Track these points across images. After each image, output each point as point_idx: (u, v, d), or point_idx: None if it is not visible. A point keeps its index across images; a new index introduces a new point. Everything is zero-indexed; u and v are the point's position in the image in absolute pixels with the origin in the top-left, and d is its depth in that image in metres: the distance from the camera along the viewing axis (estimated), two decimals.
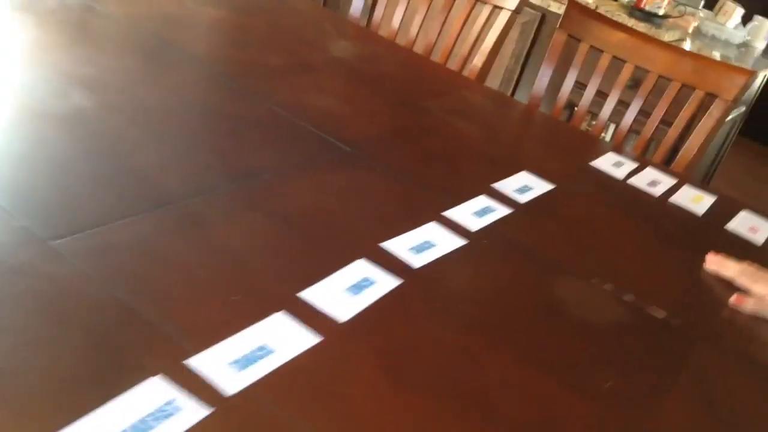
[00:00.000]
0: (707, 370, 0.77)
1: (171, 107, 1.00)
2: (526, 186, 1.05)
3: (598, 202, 1.12)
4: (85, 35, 1.17)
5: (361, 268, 0.75)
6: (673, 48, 1.54)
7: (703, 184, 1.27)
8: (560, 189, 1.08)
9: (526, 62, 2.53)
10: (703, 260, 0.97)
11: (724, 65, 1.50)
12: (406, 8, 1.77)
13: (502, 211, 0.95)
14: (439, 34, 1.73)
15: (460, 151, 1.15)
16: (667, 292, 0.90)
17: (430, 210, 0.90)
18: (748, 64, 2.38)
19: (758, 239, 1.10)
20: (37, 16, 1.16)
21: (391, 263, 0.77)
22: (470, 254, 0.84)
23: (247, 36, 1.41)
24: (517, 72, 2.54)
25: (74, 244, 0.66)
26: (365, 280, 0.73)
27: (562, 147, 1.32)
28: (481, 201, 0.97)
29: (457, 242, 0.85)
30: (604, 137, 1.65)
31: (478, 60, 1.68)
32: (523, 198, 1.01)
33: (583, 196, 1.11)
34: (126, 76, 1.05)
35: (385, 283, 0.73)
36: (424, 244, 0.83)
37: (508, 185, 1.04)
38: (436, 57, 1.70)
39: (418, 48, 1.71)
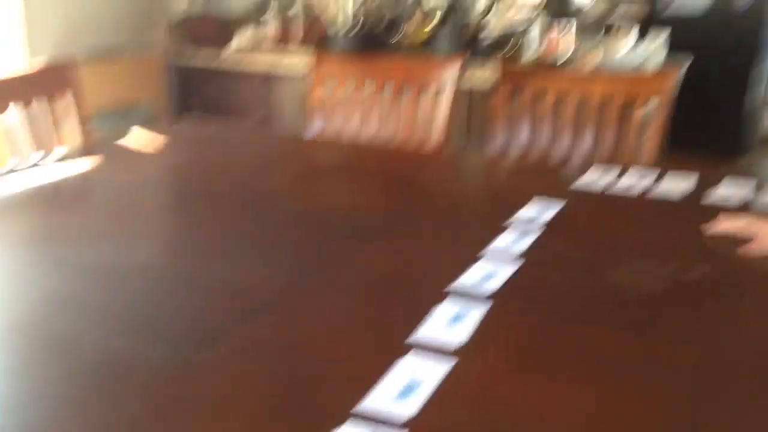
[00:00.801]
0: None
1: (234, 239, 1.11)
2: (541, 209, 1.19)
3: (603, 211, 1.26)
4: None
5: None
6: (607, 75, 1.76)
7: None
8: (569, 206, 1.21)
9: (467, 135, 2.74)
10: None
11: (654, 73, 1.72)
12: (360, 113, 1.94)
13: (533, 236, 1.08)
14: (394, 125, 1.91)
15: (465, 209, 1.29)
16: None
17: (472, 252, 1.02)
18: None
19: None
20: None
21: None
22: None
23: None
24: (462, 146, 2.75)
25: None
26: None
27: (542, 181, 1.48)
28: (511, 232, 1.09)
29: (512, 267, 0.97)
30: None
31: (435, 137, 1.85)
32: (546, 217, 1.15)
33: (587, 213, 1.26)
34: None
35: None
36: (487, 274, 0.94)
37: (523, 214, 1.17)
38: (397, 143, 1.87)
39: (380, 141, 1.88)
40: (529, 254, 1.00)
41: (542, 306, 0.88)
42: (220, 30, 3.30)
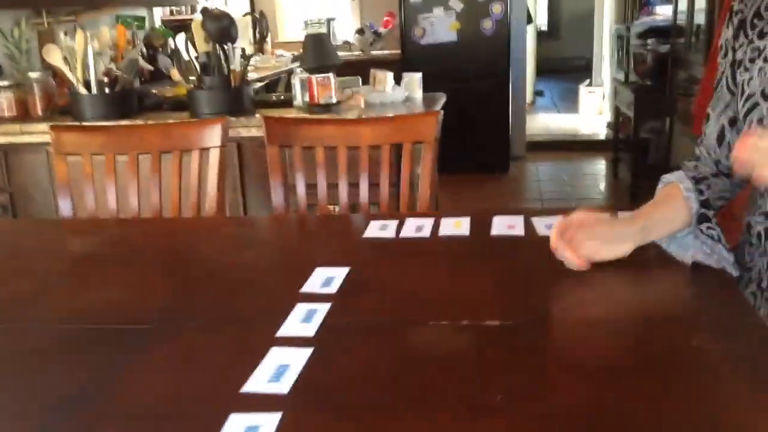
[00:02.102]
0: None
1: None
2: (328, 278, 1.10)
3: (389, 261, 1.20)
4: None
5: None
6: (374, 120, 1.74)
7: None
8: (354, 268, 1.14)
9: (244, 189, 2.62)
10: (498, 270, 1.10)
11: (415, 116, 1.74)
12: (116, 184, 1.74)
13: (322, 310, 0.99)
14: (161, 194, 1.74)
15: (257, 276, 1.17)
16: (493, 305, 1.00)
17: (263, 338, 0.91)
18: (418, 111, 2.74)
19: (519, 232, 1.27)
20: None
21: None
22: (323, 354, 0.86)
23: None
24: (242, 200, 2.62)
25: None
26: None
27: (333, 234, 1.41)
28: (301, 308, 0.99)
29: (304, 352, 0.86)
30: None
31: (211, 198, 1.72)
32: (332, 288, 1.06)
33: (375, 265, 1.20)
34: None
35: None
36: (279, 369, 0.83)
37: (313, 285, 1.08)
38: (167, 213, 1.70)
39: (146, 213, 1.70)
40: (320, 337, 0.91)
41: (337, 403, 0.77)
42: None
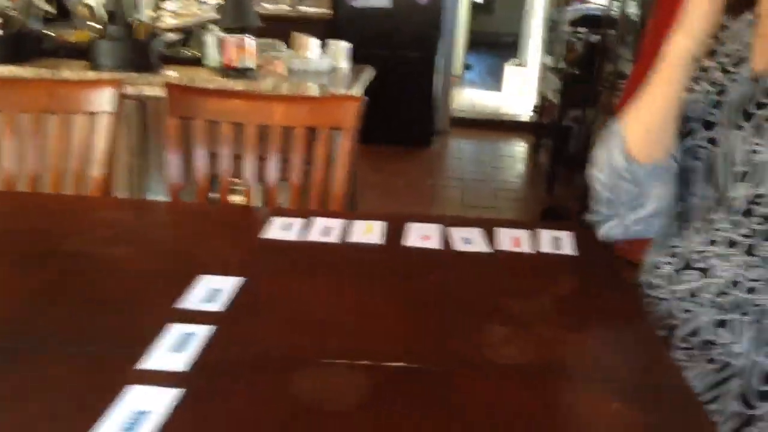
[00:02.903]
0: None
1: None
2: (214, 291, 0.96)
3: (288, 272, 1.07)
4: None
5: None
6: (286, 98, 1.59)
7: (353, 206, 1.32)
8: (246, 279, 1.00)
9: (147, 153, 2.41)
10: (408, 294, 0.99)
11: (335, 99, 1.59)
12: None
13: (201, 333, 0.85)
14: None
15: (126, 284, 1.01)
16: (397, 340, 0.89)
17: (119, 372, 0.76)
18: (341, 85, 2.58)
19: (434, 244, 1.17)
20: None
21: None
22: (194, 401, 0.73)
23: None
24: (142, 166, 2.41)
25: None
26: None
27: (228, 232, 1.25)
28: (175, 330, 0.85)
29: (170, 394, 0.73)
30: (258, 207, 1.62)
31: (97, 172, 1.52)
32: (217, 304, 0.92)
33: (270, 275, 1.06)
34: None
35: None
36: (134, 418, 0.69)
37: (194, 298, 0.94)
38: (46, 187, 1.50)
39: (22, 185, 1.49)
40: (193, 374, 0.77)
41: None
42: None
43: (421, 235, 1.20)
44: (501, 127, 5.69)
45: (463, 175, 4.54)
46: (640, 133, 0.96)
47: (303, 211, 1.32)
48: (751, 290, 0.92)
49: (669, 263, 1.02)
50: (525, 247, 1.17)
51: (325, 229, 1.22)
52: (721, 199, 0.95)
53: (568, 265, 1.12)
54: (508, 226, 1.24)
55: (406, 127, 4.92)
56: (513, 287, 1.04)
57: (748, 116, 0.92)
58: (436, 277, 1.06)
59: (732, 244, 0.93)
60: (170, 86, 1.56)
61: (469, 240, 1.19)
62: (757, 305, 0.93)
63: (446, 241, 1.17)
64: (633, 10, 3.58)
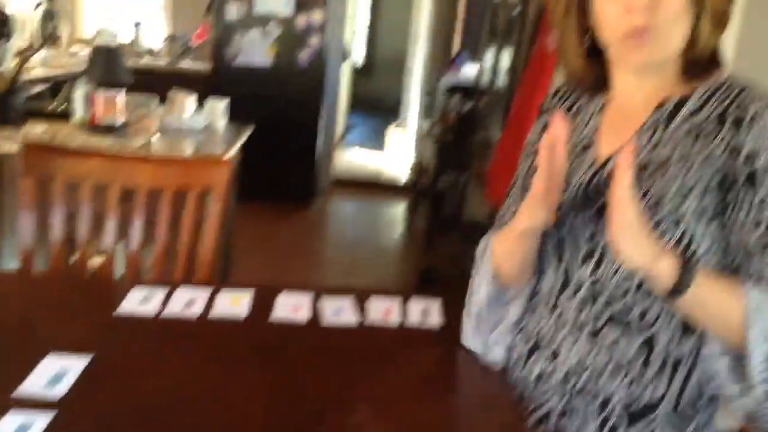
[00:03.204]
0: None
1: None
2: (58, 373, 0.89)
3: (139, 352, 1.01)
4: None
5: None
6: (153, 159, 1.53)
7: (225, 276, 1.28)
8: (96, 358, 0.93)
9: (2, 213, 2.24)
10: (267, 386, 0.95)
11: (205, 161, 1.55)
12: None
13: (40, 422, 0.78)
14: None
15: None
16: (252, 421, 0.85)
17: None
18: (217, 144, 2.52)
19: (302, 317, 1.14)
20: None
21: None
22: None
23: None
24: None
25: None
26: None
27: (81, 304, 1.17)
28: (9, 422, 0.77)
29: None
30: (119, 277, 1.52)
31: None
32: (60, 389, 0.85)
33: (120, 356, 0.99)
34: None
35: None
36: None
37: (35, 383, 0.86)
38: None
39: None
40: None
41: None
42: None
43: (290, 306, 1.17)
44: (381, 188, 5.79)
45: (343, 236, 4.55)
46: (505, 269, 0.99)
47: (167, 280, 1.26)
48: (597, 375, 0.91)
49: (521, 344, 1.01)
50: (395, 316, 1.16)
51: (188, 302, 1.16)
52: (567, 281, 0.95)
53: (433, 339, 1.11)
54: (381, 294, 1.23)
55: (288, 186, 4.89)
56: (378, 366, 1.03)
57: (591, 200, 0.93)
58: (299, 355, 1.03)
59: (579, 326, 0.93)
60: (26, 144, 1.46)
61: (340, 311, 1.18)
62: (597, 395, 0.91)
63: (315, 314, 1.15)
64: (501, 83, 3.79)
